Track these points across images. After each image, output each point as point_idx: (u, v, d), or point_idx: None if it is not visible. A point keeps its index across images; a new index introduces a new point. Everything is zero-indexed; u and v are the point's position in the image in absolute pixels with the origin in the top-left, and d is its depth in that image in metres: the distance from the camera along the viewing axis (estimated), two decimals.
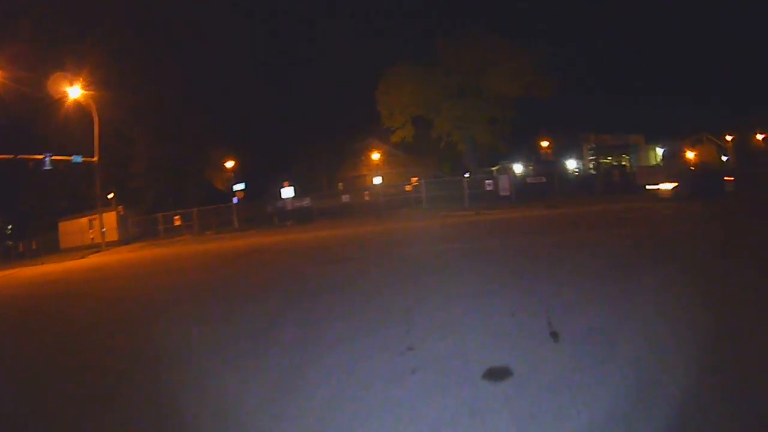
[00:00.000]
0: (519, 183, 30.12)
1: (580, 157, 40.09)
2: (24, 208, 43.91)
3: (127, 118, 35.63)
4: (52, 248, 39.56)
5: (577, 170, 39.85)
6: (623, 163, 41.91)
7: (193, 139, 37.11)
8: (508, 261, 8.18)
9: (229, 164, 36.28)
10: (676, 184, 20.87)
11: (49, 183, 41.05)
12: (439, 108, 30.92)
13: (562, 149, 39.44)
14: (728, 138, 47.27)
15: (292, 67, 56.50)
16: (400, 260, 9.55)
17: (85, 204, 36.97)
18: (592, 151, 39.73)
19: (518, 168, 38.12)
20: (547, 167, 34.26)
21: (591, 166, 39.40)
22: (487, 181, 28.85)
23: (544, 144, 38.79)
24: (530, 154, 38.66)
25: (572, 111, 40.34)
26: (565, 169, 37.14)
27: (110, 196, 40.13)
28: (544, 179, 30.29)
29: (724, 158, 47.35)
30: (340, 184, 32.78)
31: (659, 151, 43.83)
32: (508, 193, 27.51)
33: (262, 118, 42.49)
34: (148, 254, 20.42)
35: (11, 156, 27.18)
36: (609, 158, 40.98)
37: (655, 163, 41.87)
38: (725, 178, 22.17)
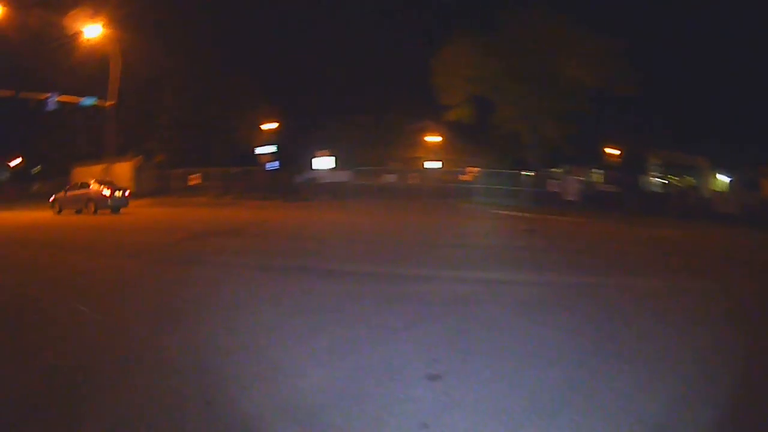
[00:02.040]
0: (588, 189, 24.47)
1: (643, 171, 33.50)
2: (43, 151, 38.77)
3: (155, 65, 30.29)
4: None
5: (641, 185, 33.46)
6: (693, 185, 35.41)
7: (229, 95, 31.33)
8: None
9: (269, 126, 30.35)
10: None
11: (72, 126, 36.08)
12: (503, 90, 24.91)
13: (628, 160, 32.97)
14: None
15: (347, 33, 47.92)
16: (406, 301, 4.58)
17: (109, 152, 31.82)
18: (658, 168, 33.29)
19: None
20: (619, 176, 28.01)
21: (656, 183, 33.03)
22: (551, 182, 23.42)
23: (614, 152, 32.38)
24: (595, 160, 32.30)
25: (638, 119, 33.51)
26: (641, 182, 30.62)
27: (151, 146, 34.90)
28: (617, 189, 24.47)
29: None
30: (392, 163, 26.93)
31: (723, 178, 37.17)
32: (575, 198, 22.17)
33: (307, 82, 35.33)
34: (141, 214, 17.27)
35: (11, 92, 22.25)
36: (675, 178, 34.51)
37: (718, 189, 35.48)
38: None
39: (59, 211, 18.48)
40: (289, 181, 25.38)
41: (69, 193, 19.01)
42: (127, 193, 18.57)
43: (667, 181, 31.47)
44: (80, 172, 34.18)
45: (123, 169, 29.77)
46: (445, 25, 25.76)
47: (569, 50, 23.96)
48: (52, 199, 19.20)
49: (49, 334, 3.62)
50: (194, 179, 26.76)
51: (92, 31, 23.42)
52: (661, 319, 4.16)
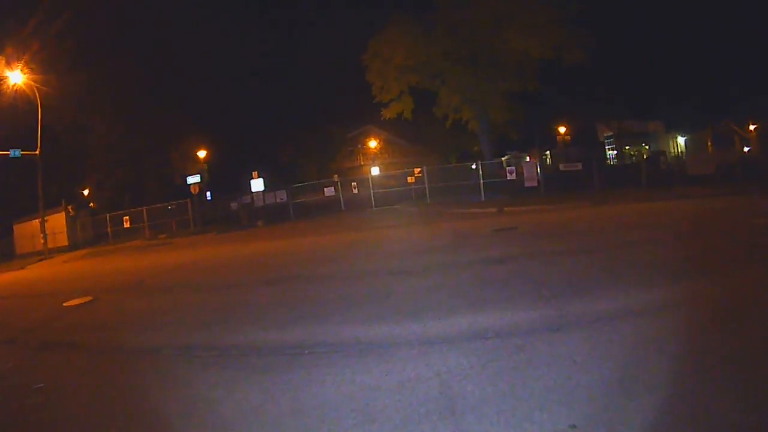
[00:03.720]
0: (548, 171, 21.63)
1: (595, 144, 30.86)
2: None
3: (81, 107, 26.66)
4: (9, 254, 30.76)
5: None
6: (637, 152, 32.93)
7: (156, 127, 27.74)
8: None
9: (202, 154, 26.88)
10: None
11: (10, 181, 32.06)
12: (443, 75, 21.76)
13: (578, 136, 30.26)
14: (752, 127, 38.16)
15: (276, 48, 44.26)
16: None
17: (46, 203, 28.07)
18: (611, 139, 30.77)
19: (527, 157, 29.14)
20: (577, 153, 25.16)
21: (610, 155, 30.51)
22: (508, 168, 20.34)
23: (562, 130, 29.62)
24: (546, 141, 29.58)
25: (584, 90, 30.80)
26: (600, 156, 27.70)
27: (86, 192, 31.33)
28: (579, 166, 21.37)
29: (746, 149, 38.37)
30: (335, 175, 23.78)
31: (680, 140, 34.82)
32: (535, 183, 19.12)
33: (237, 102, 32.04)
34: (65, 270, 14.12)
35: None
36: (627, 147, 32.00)
37: (676, 152, 33.13)
38: None
39: None
40: (225, 209, 21.98)
41: None
42: None
43: (617, 151, 28.94)
44: (21, 228, 30.32)
45: (58, 221, 26.25)
46: (379, 19, 22.49)
47: (512, 21, 20.40)
48: None
49: None
50: (126, 222, 23.24)
51: (13, 77, 20.16)
52: None
